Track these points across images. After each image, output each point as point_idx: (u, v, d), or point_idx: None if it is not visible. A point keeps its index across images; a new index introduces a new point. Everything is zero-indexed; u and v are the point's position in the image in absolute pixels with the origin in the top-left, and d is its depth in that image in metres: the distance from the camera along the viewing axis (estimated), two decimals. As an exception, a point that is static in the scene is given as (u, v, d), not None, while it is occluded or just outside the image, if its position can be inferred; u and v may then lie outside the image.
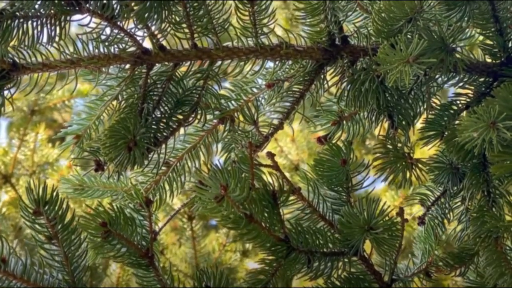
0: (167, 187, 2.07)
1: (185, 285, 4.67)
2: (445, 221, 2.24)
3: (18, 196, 5.03)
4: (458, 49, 1.94)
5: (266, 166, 1.99)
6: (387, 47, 1.83)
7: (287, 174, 5.14)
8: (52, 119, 5.99)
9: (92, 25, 1.83)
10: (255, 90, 2.12)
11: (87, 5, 1.79)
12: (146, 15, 1.81)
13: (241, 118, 2.08)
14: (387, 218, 1.97)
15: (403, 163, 2.04)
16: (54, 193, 1.87)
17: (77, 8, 1.78)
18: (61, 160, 5.14)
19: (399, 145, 2.05)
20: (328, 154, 2.07)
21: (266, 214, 1.93)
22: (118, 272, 4.65)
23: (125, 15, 1.81)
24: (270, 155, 2.01)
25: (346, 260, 2.04)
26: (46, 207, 1.87)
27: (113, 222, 1.89)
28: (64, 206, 1.88)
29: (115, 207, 1.91)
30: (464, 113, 2.09)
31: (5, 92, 1.80)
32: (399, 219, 2.03)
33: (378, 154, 2.04)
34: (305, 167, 5.19)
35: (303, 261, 1.98)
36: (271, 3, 1.97)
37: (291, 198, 2.02)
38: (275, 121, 2.12)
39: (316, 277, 2.00)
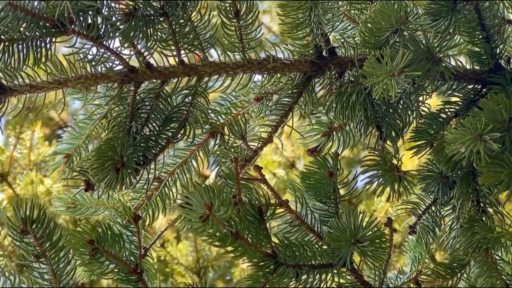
0: (159, 202, 2.07)
1: (185, 278, 4.68)
2: (436, 229, 2.24)
3: (15, 195, 5.03)
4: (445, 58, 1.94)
5: (253, 180, 1.99)
6: (373, 60, 1.83)
7: (283, 171, 5.14)
8: (48, 117, 5.99)
9: (78, 45, 1.84)
10: (245, 103, 2.11)
11: (72, 26, 1.79)
12: (132, 34, 1.81)
13: (230, 133, 2.08)
14: (375, 229, 1.98)
15: (391, 175, 2.04)
16: (42, 212, 1.87)
17: (62, 30, 1.78)
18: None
19: (388, 157, 2.05)
20: (314, 167, 2.06)
21: (252, 230, 1.92)
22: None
23: (111, 35, 1.81)
24: (257, 168, 2.01)
25: (335, 271, 2.02)
26: (34, 226, 1.87)
27: (100, 240, 1.89)
28: (52, 224, 1.88)
29: (102, 224, 1.91)
30: (453, 121, 2.10)
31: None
32: (387, 230, 2.03)
33: (365, 167, 2.04)
34: (301, 164, 5.18)
35: (291, 275, 1.96)
36: (257, 18, 1.97)
37: (279, 210, 2.01)
38: (264, 135, 2.11)
39: (305, 290, 2.00)
